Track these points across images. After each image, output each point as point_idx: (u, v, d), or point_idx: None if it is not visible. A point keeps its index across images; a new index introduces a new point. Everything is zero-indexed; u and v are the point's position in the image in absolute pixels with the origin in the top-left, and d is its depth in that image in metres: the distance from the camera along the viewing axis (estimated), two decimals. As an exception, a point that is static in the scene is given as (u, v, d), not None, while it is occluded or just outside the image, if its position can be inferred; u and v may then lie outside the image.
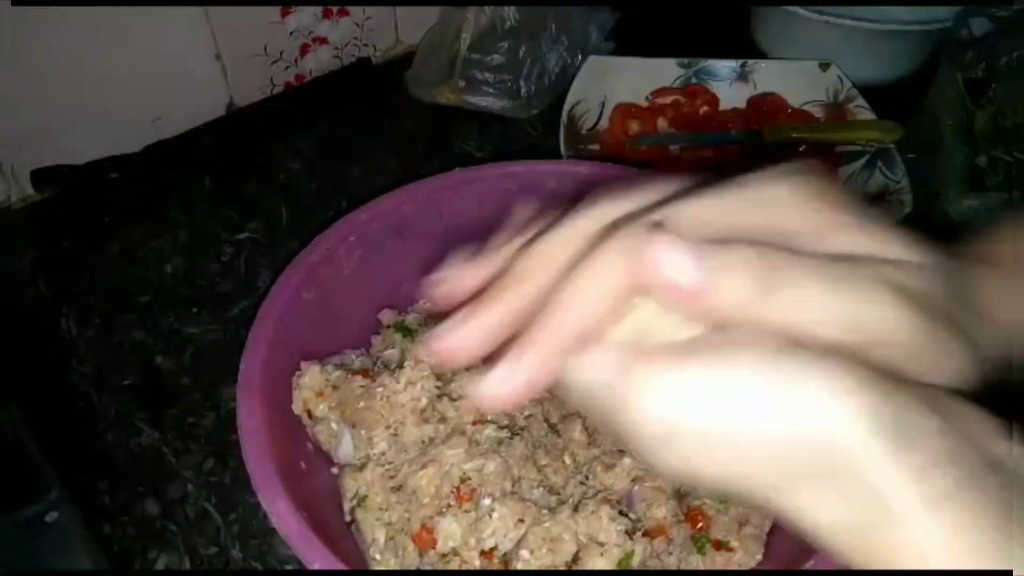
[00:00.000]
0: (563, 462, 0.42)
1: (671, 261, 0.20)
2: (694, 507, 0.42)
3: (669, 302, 0.20)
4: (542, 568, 0.36)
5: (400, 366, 0.41)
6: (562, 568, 0.36)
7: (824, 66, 0.69)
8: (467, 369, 0.43)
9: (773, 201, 0.22)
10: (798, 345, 0.20)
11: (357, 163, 0.68)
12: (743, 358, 0.20)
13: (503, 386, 0.22)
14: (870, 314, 0.20)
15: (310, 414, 0.42)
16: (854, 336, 0.20)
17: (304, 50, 0.74)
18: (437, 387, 0.41)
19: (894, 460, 0.19)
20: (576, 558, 0.37)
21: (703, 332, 0.21)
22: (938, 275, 0.22)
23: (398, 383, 0.40)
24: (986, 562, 0.18)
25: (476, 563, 0.38)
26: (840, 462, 0.19)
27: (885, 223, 0.22)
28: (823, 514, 0.20)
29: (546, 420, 0.45)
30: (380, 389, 0.40)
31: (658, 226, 0.21)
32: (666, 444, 0.20)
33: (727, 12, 0.80)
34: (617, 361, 0.21)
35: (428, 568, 0.38)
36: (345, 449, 0.41)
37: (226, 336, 0.56)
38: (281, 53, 0.73)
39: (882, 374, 0.20)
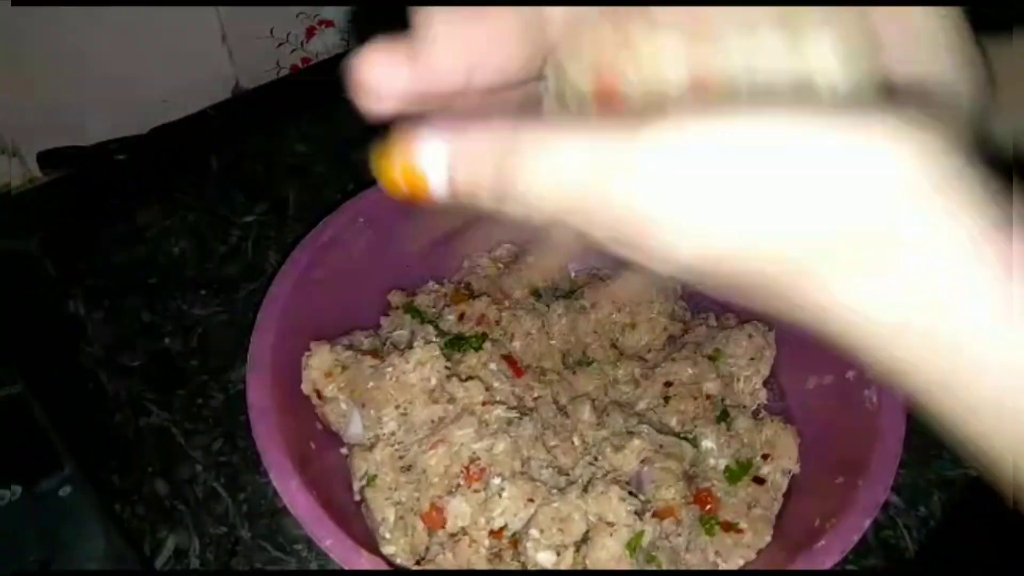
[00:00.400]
0: (572, 443, 0.42)
1: None
2: (703, 489, 0.42)
3: None
4: (552, 546, 0.36)
5: (410, 346, 0.41)
6: (571, 546, 0.36)
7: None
8: (476, 350, 0.43)
9: None
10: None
11: (365, 146, 0.68)
12: (768, 122, 0.15)
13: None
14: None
15: (319, 394, 0.42)
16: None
17: (310, 32, 0.74)
18: (447, 367, 0.41)
19: (968, 220, 0.15)
20: (586, 538, 0.37)
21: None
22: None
23: (408, 363, 0.40)
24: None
25: (485, 543, 0.38)
26: (903, 244, 0.15)
27: None
28: (869, 302, 0.15)
29: (555, 401, 0.45)
30: (390, 369, 0.40)
31: None
32: (674, 228, 0.16)
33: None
34: (602, 147, 0.16)
35: (437, 546, 0.38)
36: (354, 429, 0.41)
37: (234, 318, 0.56)
38: (288, 35, 0.72)
39: (921, 116, 0.15)
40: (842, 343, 0.17)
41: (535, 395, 0.44)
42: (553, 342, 0.47)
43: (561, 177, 0.17)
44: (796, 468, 0.43)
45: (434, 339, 0.42)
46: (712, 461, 0.43)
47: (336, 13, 0.74)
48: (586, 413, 0.43)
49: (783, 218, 0.16)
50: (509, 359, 0.45)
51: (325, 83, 0.73)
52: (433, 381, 0.40)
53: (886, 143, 0.15)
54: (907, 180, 0.15)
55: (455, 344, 0.43)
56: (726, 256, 0.16)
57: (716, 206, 0.16)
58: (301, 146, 0.68)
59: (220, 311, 0.56)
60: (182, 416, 0.51)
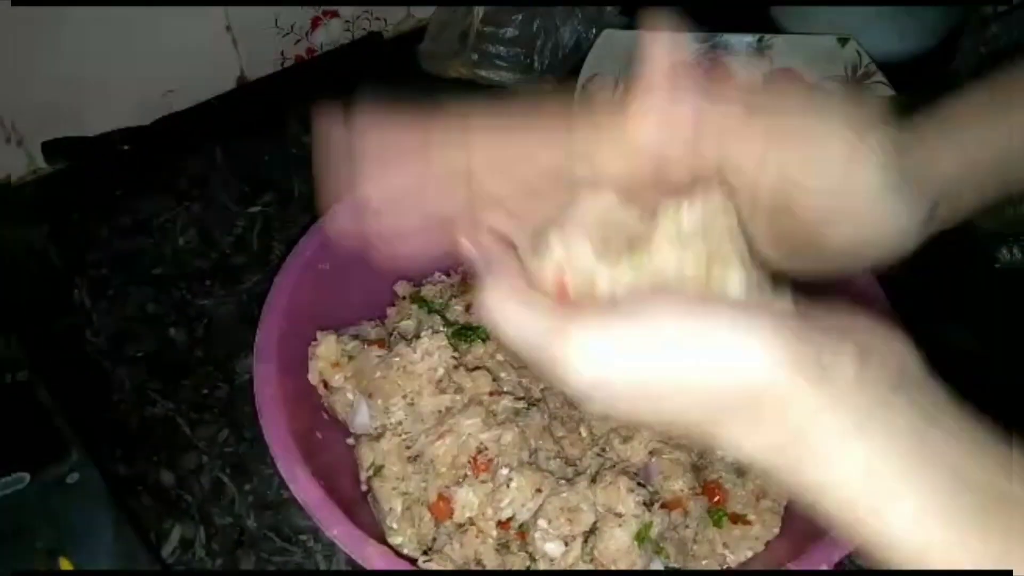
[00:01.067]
0: (580, 434, 0.42)
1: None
2: (711, 480, 0.42)
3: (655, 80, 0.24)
4: (560, 537, 0.36)
5: (416, 336, 0.41)
6: (579, 537, 0.36)
7: (843, 41, 0.67)
8: (484, 340, 0.43)
9: None
10: (715, 298, 0.22)
11: (369, 137, 0.68)
12: (664, 315, 0.21)
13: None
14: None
15: (326, 384, 0.42)
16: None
17: (315, 23, 0.73)
18: (454, 357, 0.41)
19: (813, 395, 0.20)
20: (593, 529, 0.37)
21: (630, 291, 0.23)
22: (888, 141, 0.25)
23: (415, 353, 0.40)
24: (897, 479, 0.20)
25: (493, 533, 0.38)
26: (764, 401, 0.21)
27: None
28: (751, 444, 0.22)
29: (562, 392, 0.44)
30: (397, 359, 0.40)
31: None
32: (597, 396, 0.22)
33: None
34: (547, 323, 0.22)
35: (445, 537, 0.38)
36: (361, 419, 0.41)
37: (239, 309, 0.56)
38: (292, 26, 0.72)
39: (796, 315, 0.22)
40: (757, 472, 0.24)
41: (542, 386, 0.44)
42: (560, 333, 0.47)
43: (518, 336, 0.23)
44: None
45: (441, 329, 0.42)
46: (720, 453, 0.43)
47: (341, 3, 0.74)
48: (593, 404, 0.43)
49: (673, 404, 0.22)
50: (516, 350, 0.45)
51: (330, 74, 0.73)
52: (440, 371, 0.40)
53: (753, 347, 0.21)
54: (766, 373, 0.21)
55: (462, 334, 0.43)
56: (639, 421, 0.25)
57: (621, 400, 0.22)
58: (306, 136, 0.68)
59: (225, 301, 0.56)
60: (188, 406, 0.51)
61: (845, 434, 0.20)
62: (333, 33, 0.75)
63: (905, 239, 0.27)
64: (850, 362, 0.21)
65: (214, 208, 0.62)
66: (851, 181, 0.25)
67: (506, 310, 0.23)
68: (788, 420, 0.21)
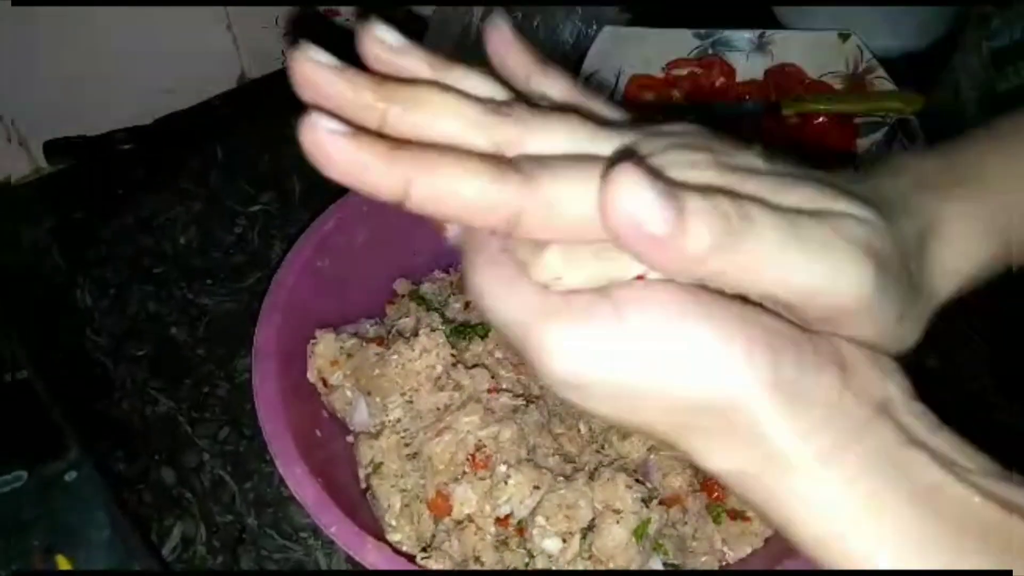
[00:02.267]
0: (578, 431, 0.42)
1: (640, 199, 0.18)
2: (710, 477, 0.42)
3: (625, 243, 0.19)
4: (558, 533, 0.36)
5: (415, 334, 0.41)
6: (577, 533, 0.36)
7: (844, 36, 0.67)
8: (482, 337, 0.43)
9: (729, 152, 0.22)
10: (709, 299, 0.20)
11: (370, 135, 0.68)
12: (649, 316, 0.20)
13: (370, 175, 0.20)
14: (829, 275, 0.20)
15: (325, 382, 0.42)
16: (797, 298, 0.20)
17: (316, 21, 0.73)
18: (452, 355, 0.41)
19: (789, 419, 0.20)
20: (592, 526, 0.37)
21: (621, 280, 0.21)
22: (894, 230, 0.22)
23: (413, 351, 0.40)
24: (867, 512, 0.20)
25: (491, 530, 0.38)
26: (738, 419, 0.20)
27: (834, 177, 0.23)
28: (721, 461, 0.21)
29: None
30: (395, 357, 0.40)
31: (633, 158, 0.20)
32: (571, 390, 0.21)
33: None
34: (527, 313, 0.21)
35: (443, 534, 0.38)
36: (360, 416, 0.41)
37: (240, 307, 0.56)
38: (293, 24, 0.72)
39: (783, 332, 0.20)
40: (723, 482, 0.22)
41: (541, 383, 0.44)
42: (559, 330, 0.47)
43: (503, 320, 0.22)
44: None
45: (439, 327, 0.42)
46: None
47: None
48: (592, 401, 0.43)
49: (646, 409, 0.21)
50: (515, 347, 0.45)
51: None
52: (439, 368, 0.40)
53: (736, 363, 0.20)
54: (744, 391, 0.20)
55: (460, 332, 0.43)
56: (609, 420, 0.22)
57: (594, 399, 0.21)
58: (306, 135, 0.68)
59: (226, 300, 0.56)
60: (188, 405, 0.51)
61: (818, 463, 0.20)
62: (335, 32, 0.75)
63: (909, 335, 0.23)
64: (831, 384, 0.20)
65: (215, 207, 0.62)
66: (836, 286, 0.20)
67: (491, 294, 0.21)
68: (761, 443, 0.20)
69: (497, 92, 0.23)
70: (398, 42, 0.23)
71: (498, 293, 0.21)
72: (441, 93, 0.21)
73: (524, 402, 0.41)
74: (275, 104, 0.69)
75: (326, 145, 0.20)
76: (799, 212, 0.20)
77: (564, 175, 0.20)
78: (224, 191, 0.63)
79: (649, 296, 0.21)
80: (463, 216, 0.20)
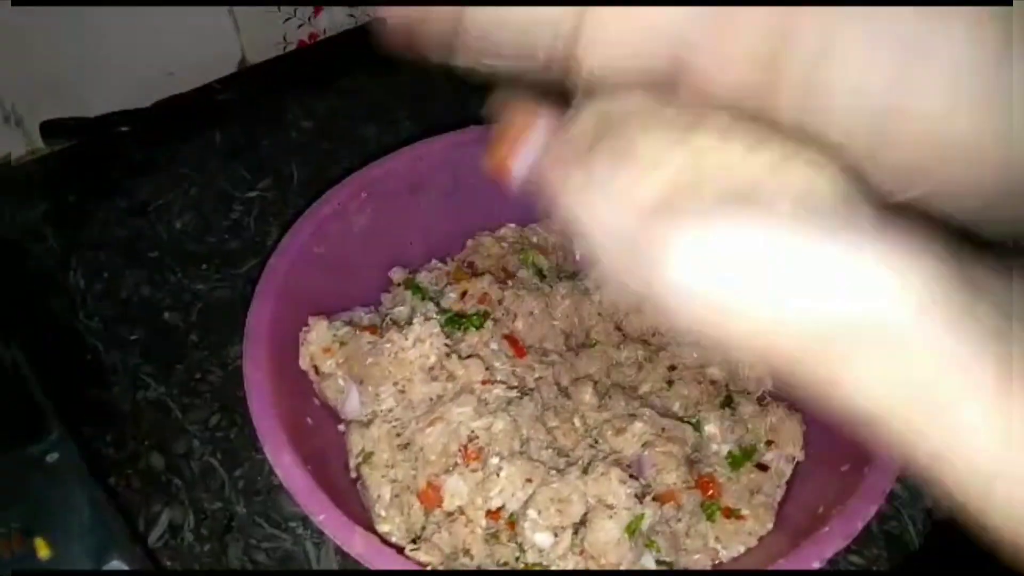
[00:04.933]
0: (572, 424, 0.42)
1: None
2: (705, 474, 0.41)
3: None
4: (550, 528, 0.35)
5: (409, 323, 0.41)
6: (569, 528, 0.36)
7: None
8: (477, 328, 0.42)
9: None
10: (845, 211, 0.18)
11: (371, 123, 0.67)
12: (782, 221, 0.18)
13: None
14: None
15: (317, 370, 0.42)
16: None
17: (318, 8, 0.73)
18: (447, 345, 0.41)
19: (949, 341, 0.17)
20: (584, 520, 0.36)
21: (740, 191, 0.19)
22: None
23: (406, 340, 0.39)
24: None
25: (482, 522, 0.37)
26: (888, 342, 0.17)
27: None
28: (862, 393, 0.18)
29: (556, 383, 0.44)
30: (388, 345, 0.39)
31: None
32: (687, 306, 0.18)
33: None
34: (646, 215, 0.19)
35: (433, 525, 0.38)
36: (351, 405, 0.40)
37: (234, 294, 0.55)
38: (295, 10, 0.71)
39: (937, 244, 0.18)
40: (859, 419, 0.19)
41: (536, 375, 0.43)
42: (556, 323, 0.46)
43: (610, 229, 0.19)
44: (800, 455, 0.42)
45: (434, 316, 0.41)
46: (715, 447, 0.42)
47: (344, -11, 0.73)
48: (588, 395, 0.42)
49: (776, 332, 0.18)
50: (511, 339, 0.44)
51: (332, 60, 0.72)
52: (432, 358, 0.40)
53: (896, 261, 0.17)
54: (911, 292, 0.17)
55: (455, 322, 0.42)
56: (727, 343, 0.19)
57: (714, 317, 0.19)
58: (306, 122, 0.67)
59: (221, 286, 0.56)
60: (180, 391, 0.50)
61: (986, 385, 0.17)
62: (336, 19, 0.74)
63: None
64: (991, 305, 0.17)
65: (212, 192, 0.62)
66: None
67: (597, 204, 0.19)
68: (919, 359, 0.17)
69: None
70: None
71: (605, 200, 0.19)
72: None
73: (519, 394, 0.40)
74: (275, 90, 0.69)
75: None
76: None
77: None
78: (221, 176, 0.63)
79: (785, 204, 0.18)
80: None
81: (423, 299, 0.44)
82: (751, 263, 0.18)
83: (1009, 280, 0.18)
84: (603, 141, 0.21)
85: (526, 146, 0.22)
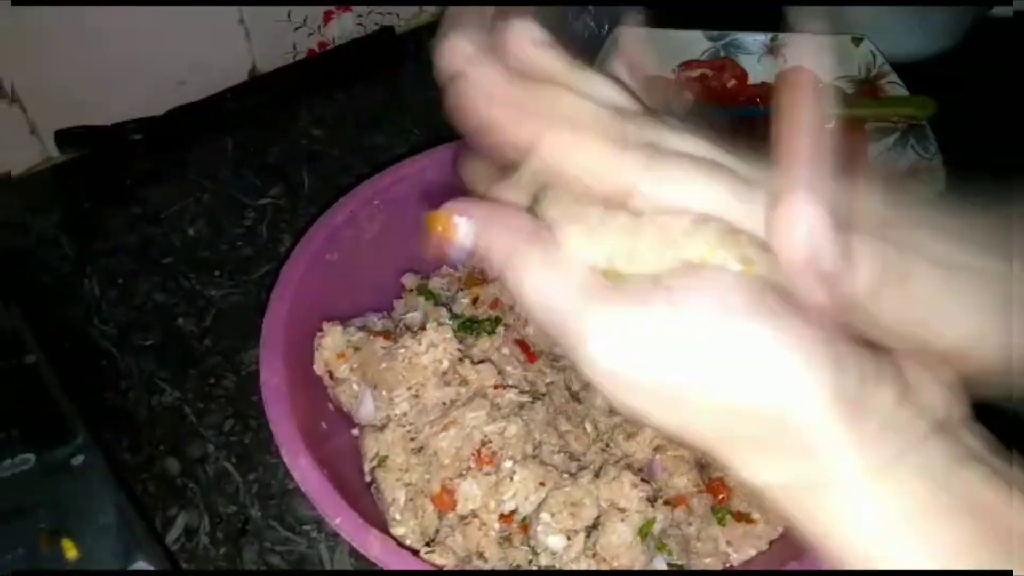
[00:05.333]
0: (584, 429, 0.42)
1: (815, 234, 0.18)
2: (715, 478, 0.41)
3: (792, 271, 0.19)
4: (562, 531, 0.36)
5: (422, 328, 0.41)
6: (582, 531, 0.36)
7: (857, 40, 0.67)
8: (489, 333, 0.43)
9: None
10: (774, 300, 0.19)
11: (380, 131, 0.68)
12: (703, 313, 0.19)
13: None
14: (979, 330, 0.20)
15: (331, 375, 0.42)
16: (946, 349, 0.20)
17: (327, 17, 0.74)
18: (460, 350, 0.41)
19: (845, 430, 0.19)
20: (596, 524, 0.37)
21: (675, 269, 0.20)
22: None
23: (420, 345, 0.40)
24: (914, 528, 0.19)
25: (495, 526, 0.38)
26: (790, 429, 0.19)
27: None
28: (765, 473, 0.20)
29: (567, 388, 0.44)
30: (402, 350, 0.40)
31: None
32: (611, 384, 0.20)
33: (758, -15, 0.79)
34: (575, 293, 0.20)
35: (447, 529, 0.38)
36: (366, 409, 0.41)
37: (247, 300, 0.56)
38: (305, 19, 0.72)
39: (844, 340, 0.19)
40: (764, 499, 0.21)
41: (548, 380, 0.44)
42: (566, 328, 0.47)
43: (543, 303, 0.21)
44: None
45: (447, 321, 0.42)
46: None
47: (354, -2, 0.74)
48: (599, 399, 0.43)
49: (689, 414, 0.20)
50: (522, 344, 0.45)
51: (342, 68, 0.73)
52: (445, 363, 0.40)
53: (796, 367, 0.19)
54: (802, 400, 0.19)
55: (468, 327, 0.43)
56: (648, 420, 0.21)
57: (636, 397, 0.20)
58: (316, 130, 0.68)
59: (234, 292, 0.56)
60: (194, 396, 0.51)
61: (871, 475, 0.19)
62: (346, 27, 0.75)
63: None
64: (891, 398, 0.19)
65: (224, 199, 0.62)
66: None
67: (533, 276, 0.20)
68: (813, 454, 0.19)
69: (627, 101, 0.23)
70: (542, 38, 0.23)
71: (541, 274, 0.20)
72: (574, 96, 0.22)
73: (531, 399, 0.41)
74: (286, 98, 0.70)
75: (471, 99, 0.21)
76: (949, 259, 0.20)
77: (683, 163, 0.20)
78: (233, 184, 0.63)
79: (708, 287, 0.19)
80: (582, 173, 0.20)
81: (436, 304, 0.45)
82: (666, 349, 0.19)
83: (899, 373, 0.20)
84: (542, 211, 0.22)
85: (458, 236, 0.23)
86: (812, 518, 0.20)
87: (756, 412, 0.19)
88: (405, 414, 0.40)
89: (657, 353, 0.19)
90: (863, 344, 0.20)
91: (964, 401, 0.21)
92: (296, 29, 0.72)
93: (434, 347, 0.40)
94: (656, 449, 0.41)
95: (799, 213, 0.18)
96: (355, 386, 0.42)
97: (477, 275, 0.48)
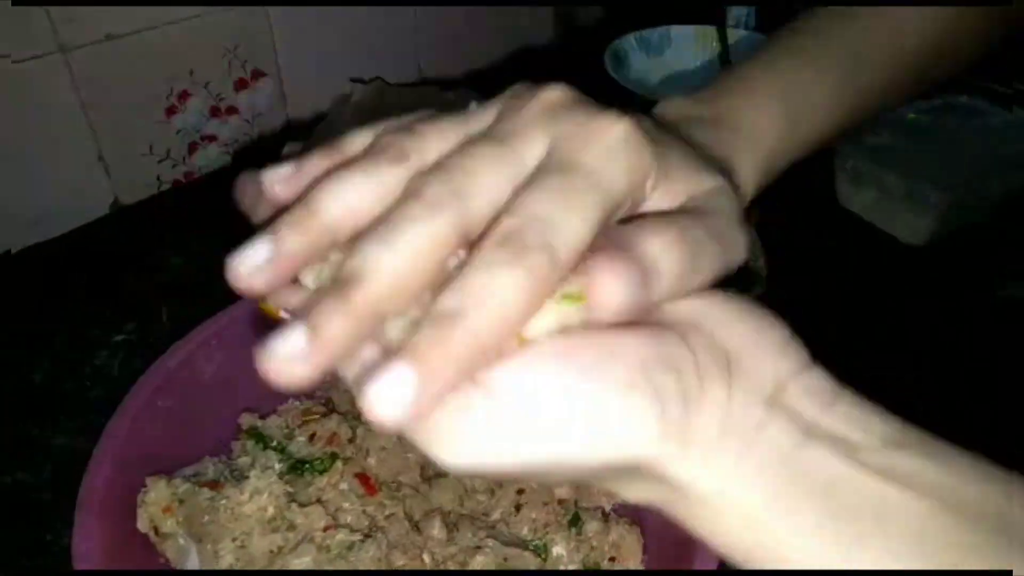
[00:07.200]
0: (422, 561, 0.42)
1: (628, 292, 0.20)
2: (554, 599, 0.42)
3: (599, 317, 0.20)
4: None
5: (246, 476, 0.41)
6: None
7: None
8: (321, 472, 0.43)
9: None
10: (580, 353, 0.21)
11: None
12: (521, 391, 0.20)
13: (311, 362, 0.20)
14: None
15: (157, 531, 0.41)
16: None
17: (192, 148, 0.75)
18: (289, 492, 0.41)
19: (682, 458, 0.21)
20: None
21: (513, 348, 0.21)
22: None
23: (242, 494, 0.40)
24: (774, 515, 0.21)
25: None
26: (640, 470, 0.21)
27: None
28: (635, 495, 0.23)
29: (409, 517, 0.44)
30: (224, 501, 0.40)
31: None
32: (478, 477, 0.22)
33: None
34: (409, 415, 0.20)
35: None
36: (191, 565, 0.40)
37: (92, 445, 0.54)
38: (168, 151, 0.74)
39: (659, 361, 0.21)
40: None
41: (387, 512, 0.44)
42: (410, 455, 0.47)
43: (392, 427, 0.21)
44: (641, 567, 0.43)
45: (275, 465, 0.42)
46: (563, 567, 0.43)
47: (219, 128, 0.76)
48: (435, 529, 0.43)
49: (550, 473, 0.22)
50: (362, 477, 0.45)
51: (207, 196, 0.74)
52: (271, 510, 0.40)
53: (644, 421, 0.21)
54: (648, 447, 0.21)
55: (298, 468, 0.43)
56: (514, 481, 0.24)
57: (494, 472, 0.21)
58: (177, 259, 0.68)
59: (78, 439, 0.55)
60: (29, 553, 0.49)
61: (720, 484, 0.21)
62: (211, 157, 0.77)
63: None
64: (718, 398, 0.21)
65: (75, 339, 0.61)
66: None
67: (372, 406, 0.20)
68: (666, 482, 0.21)
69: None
70: (288, 170, 0.24)
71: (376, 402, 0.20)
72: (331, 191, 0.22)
73: (362, 537, 0.41)
74: (148, 229, 0.70)
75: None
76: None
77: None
78: (87, 321, 0.62)
79: (516, 371, 0.20)
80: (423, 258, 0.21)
81: (264, 448, 0.45)
82: (503, 435, 0.20)
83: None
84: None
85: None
86: (688, 524, 0.22)
87: (602, 468, 0.21)
88: (231, 566, 0.39)
89: (497, 443, 0.20)
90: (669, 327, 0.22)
91: (799, 347, 0.23)
92: (160, 161, 0.74)
93: (258, 494, 0.40)
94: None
95: (611, 274, 0.20)
96: (181, 540, 0.41)
97: (316, 409, 0.48)
